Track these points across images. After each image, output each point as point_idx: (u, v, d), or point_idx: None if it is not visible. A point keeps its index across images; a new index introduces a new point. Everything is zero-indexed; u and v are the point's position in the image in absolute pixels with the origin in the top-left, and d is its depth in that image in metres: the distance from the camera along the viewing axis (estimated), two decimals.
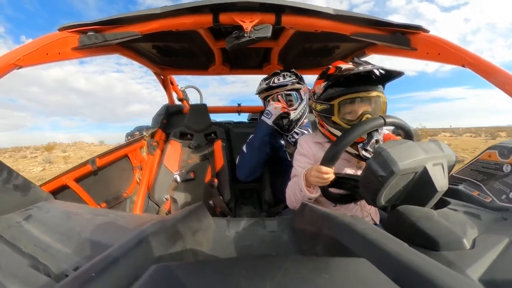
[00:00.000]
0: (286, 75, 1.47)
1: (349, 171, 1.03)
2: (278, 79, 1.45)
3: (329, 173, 0.85)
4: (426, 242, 0.49)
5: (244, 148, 1.50)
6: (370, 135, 0.88)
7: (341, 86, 0.91)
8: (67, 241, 0.58)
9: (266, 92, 1.50)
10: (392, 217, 0.61)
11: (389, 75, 0.89)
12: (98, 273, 0.32)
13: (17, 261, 0.52)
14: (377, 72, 0.85)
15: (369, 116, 0.88)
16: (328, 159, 0.84)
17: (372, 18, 1.09)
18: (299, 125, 1.54)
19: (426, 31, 1.06)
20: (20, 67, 0.90)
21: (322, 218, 0.56)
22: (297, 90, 1.46)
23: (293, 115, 1.45)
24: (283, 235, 0.62)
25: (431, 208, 0.61)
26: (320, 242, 0.51)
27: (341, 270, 0.32)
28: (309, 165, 1.07)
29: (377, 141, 0.88)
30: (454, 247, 0.48)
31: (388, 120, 0.82)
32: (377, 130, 0.88)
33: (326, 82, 0.93)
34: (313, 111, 1.08)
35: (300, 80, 1.49)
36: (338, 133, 0.94)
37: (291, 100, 1.46)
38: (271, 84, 1.44)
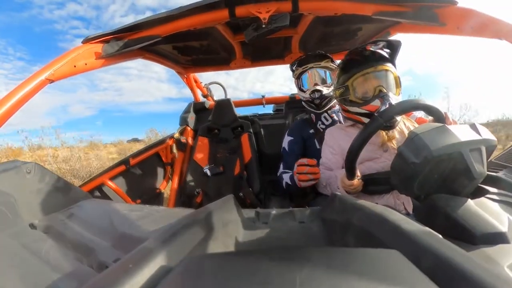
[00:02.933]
0: (320, 51, 1.50)
1: (374, 155, 1.02)
2: (312, 53, 1.49)
3: (354, 184, 0.88)
4: (462, 234, 0.46)
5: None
6: (382, 101, 0.92)
7: (353, 69, 1.00)
8: (106, 235, 0.63)
9: (301, 68, 1.50)
10: (425, 207, 0.58)
11: (393, 50, 0.98)
12: (135, 264, 0.34)
13: (63, 255, 0.58)
14: (373, 48, 0.93)
15: (382, 89, 0.93)
16: (348, 174, 0.87)
17: None
18: (330, 107, 1.53)
19: (455, 3, 0.95)
20: (52, 81, 0.95)
21: (353, 208, 0.54)
22: (331, 70, 1.46)
23: (326, 90, 1.44)
24: (313, 226, 0.62)
25: (468, 197, 0.57)
26: (351, 233, 0.50)
27: (372, 262, 0.31)
28: (332, 156, 1.13)
29: (390, 105, 0.89)
30: (493, 241, 0.44)
31: (387, 113, 0.78)
32: (387, 96, 0.91)
33: (339, 70, 1.08)
34: (336, 101, 1.15)
35: (333, 62, 1.49)
36: (357, 110, 1.00)
37: (324, 77, 1.47)
38: (306, 55, 1.49)
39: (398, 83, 0.98)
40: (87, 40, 1.11)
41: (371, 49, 0.94)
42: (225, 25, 1.40)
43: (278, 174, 1.48)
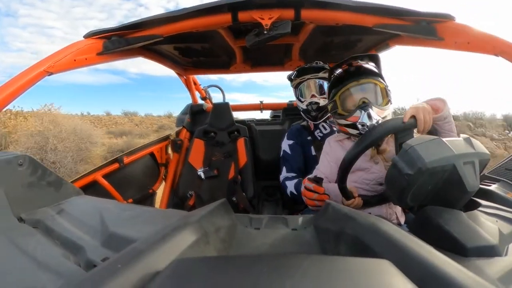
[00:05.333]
0: (318, 62, 1.52)
1: (366, 165, 1.03)
2: (310, 64, 1.51)
3: (352, 203, 0.92)
4: (453, 246, 0.47)
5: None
6: (361, 110, 0.94)
7: (339, 84, 1.05)
8: (96, 233, 0.62)
9: (298, 79, 1.52)
10: (418, 218, 0.58)
11: (375, 63, 1.03)
12: (124, 265, 0.34)
13: (51, 251, 0.56)
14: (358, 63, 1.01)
15: (365, 101, 0.96)
16: (344, 196, 0.92)
17: (395, 8, 1.03)
18: (328, 117, 1.53)
19: (453, 18, 0.98)
20: (51, 73, 0.96)
21: (346, 217, 0.54)
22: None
23: (323, 102, 1.45)
24: (305, 233, 0.62)
25: (461, 209, 0.58)
26: (343, 242, 0.50)
27: (362, 271, 0.31)
28: (329, 164, 1.12)
29: (369, 116, 0.92)
30: (484, 254, 0.44)
31: (347, 160, 0.85)
32: (367, 106, 0.94)
33: (329, 85, 1.12)
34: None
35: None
36: (343, 121, 1.04)
37: (322, 88, 1.49)
38: (304, 66, 1.51)
39: (385, 94, 1.00)
40: (89, 35, 1.12)
41: (356, 64, 1.01)
42: (227, 29, 1.41)
43: (281, 179, 1.46)
